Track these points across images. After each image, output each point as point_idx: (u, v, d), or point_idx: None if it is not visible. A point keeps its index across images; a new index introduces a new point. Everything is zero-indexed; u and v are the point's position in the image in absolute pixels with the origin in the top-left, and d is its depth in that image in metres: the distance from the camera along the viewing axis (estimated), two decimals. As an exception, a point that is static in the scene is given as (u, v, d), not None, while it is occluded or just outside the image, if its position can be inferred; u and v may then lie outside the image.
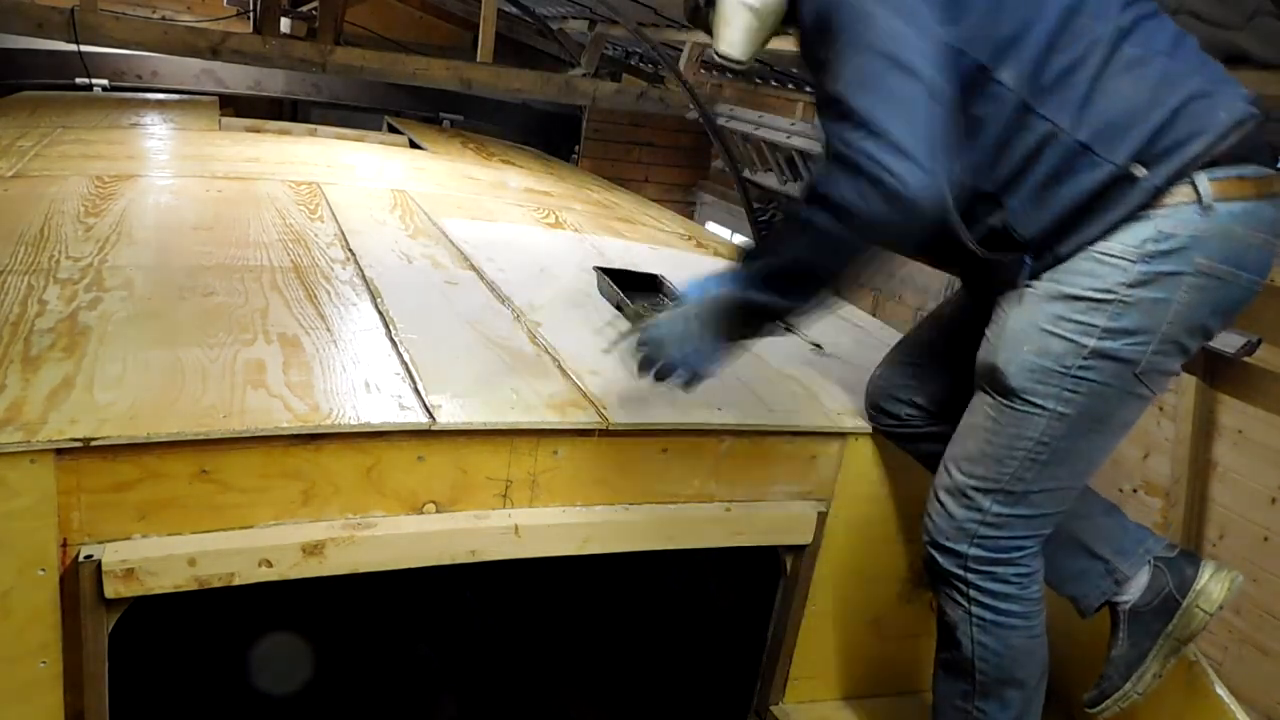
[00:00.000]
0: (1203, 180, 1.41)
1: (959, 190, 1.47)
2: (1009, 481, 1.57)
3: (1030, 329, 1.51)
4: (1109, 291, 1.44)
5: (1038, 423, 1.53)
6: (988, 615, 1.63)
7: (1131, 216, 1.43)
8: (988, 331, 1.59)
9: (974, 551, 1.61)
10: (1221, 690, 1.79)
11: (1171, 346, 1.47)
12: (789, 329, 2.37)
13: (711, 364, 1.57)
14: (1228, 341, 3.65)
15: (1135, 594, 1.70)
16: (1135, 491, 4.28)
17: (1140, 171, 1.41)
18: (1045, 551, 1.67)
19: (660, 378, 1.58)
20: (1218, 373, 3.90)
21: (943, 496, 1.65)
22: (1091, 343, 1.46)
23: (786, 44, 1.66)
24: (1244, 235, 1.42)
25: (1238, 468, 3.89)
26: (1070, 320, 1.47)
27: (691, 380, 1.58)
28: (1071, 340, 1.47)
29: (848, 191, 1.36)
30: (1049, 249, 1.48)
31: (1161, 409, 4.14)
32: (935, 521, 1.65)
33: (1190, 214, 1.41)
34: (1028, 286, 1.52)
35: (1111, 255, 1.44)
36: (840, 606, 2.00)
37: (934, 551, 1.65)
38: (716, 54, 1.68)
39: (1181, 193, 1.41)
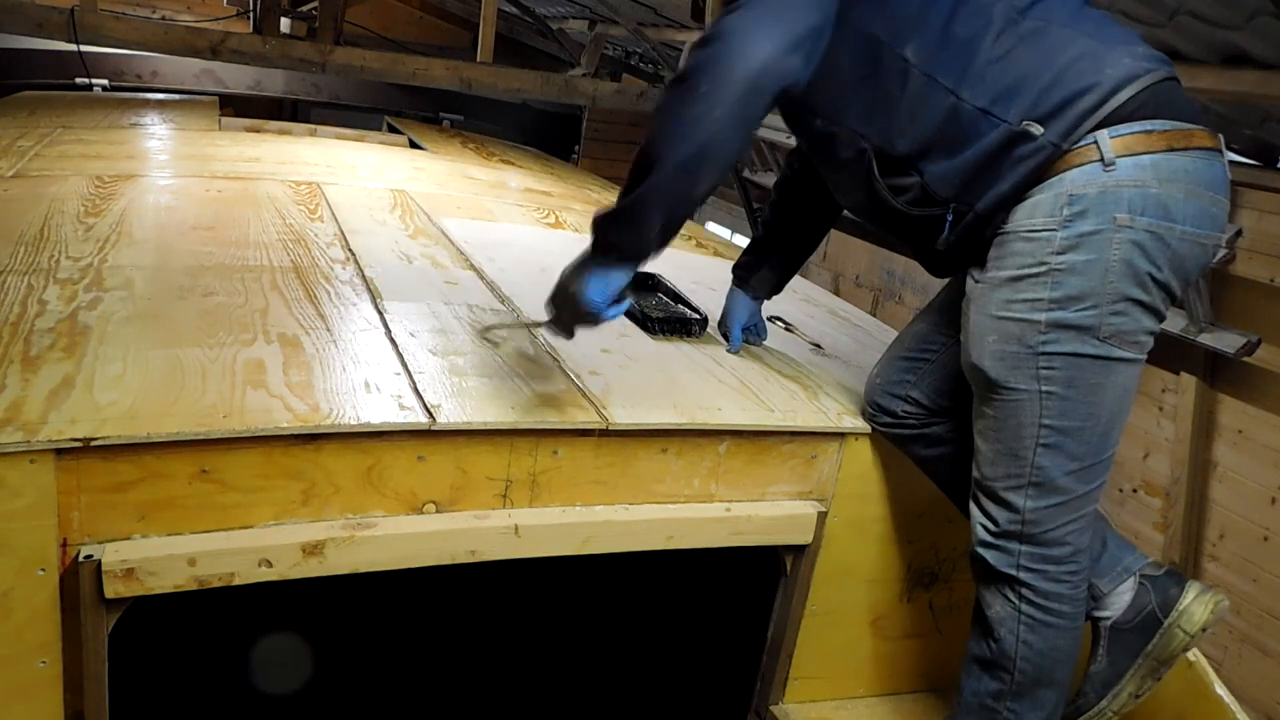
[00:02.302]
0: (1104, 137, 1.46)
1: (880, 156, 1.59)
2: (1031, 474, 1.56)
3: (987, 320, 1.56)
4: (1041, 263, 1.49)
5: (1030, 408, 1.54)
6: (1037, 614, 1.61)
7: (1043, 182, 1.49)
8: (961, 337, 1.63)
9: (1025, 549, 1.60)
10: (1221, 690, 1.79)
11: (1126, 304, 1.48)
12: (787, 327, 2.39)
13: (579, 310, 1.57)
14: (1228, 341, 3.66)
15: (1117, 611, 1.70)
16: (1135, 491, 4.29)
17: (1035, 129, 1.48)
18: None
19: (561, 330, 1.63)
20: (1218, 373, 3.90)
21: (983, 502, 1.64)
22: (1043, 316, 1.50)
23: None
24: (1158, 187, 1.45)
25: (1238, 468, 3.89)
26: (1017, 300, 1.52)
27: (563, 327, 1.62)
28: (1024, 319, 1.52)
29: (690, 58, 1.49)
30: (968, 205, 1.55)
31: (1161, 409, 4.14)
32: (981, 525, 1.64)
33: (1094, 171, 1.46)
34: (977, 282, 1.58)
35: (1035, 230, 1.50)
36: (840, 606, 1.99)
37: (984, 551, 1.63)
38: None
39: (1085, 153, 1.47)
